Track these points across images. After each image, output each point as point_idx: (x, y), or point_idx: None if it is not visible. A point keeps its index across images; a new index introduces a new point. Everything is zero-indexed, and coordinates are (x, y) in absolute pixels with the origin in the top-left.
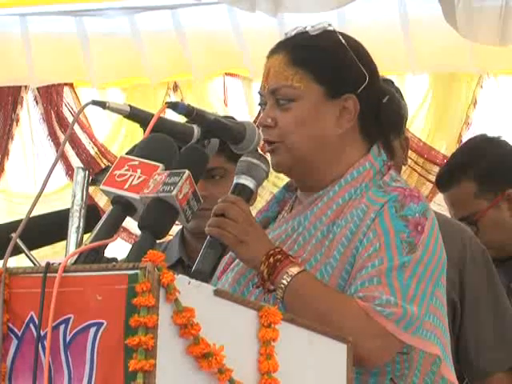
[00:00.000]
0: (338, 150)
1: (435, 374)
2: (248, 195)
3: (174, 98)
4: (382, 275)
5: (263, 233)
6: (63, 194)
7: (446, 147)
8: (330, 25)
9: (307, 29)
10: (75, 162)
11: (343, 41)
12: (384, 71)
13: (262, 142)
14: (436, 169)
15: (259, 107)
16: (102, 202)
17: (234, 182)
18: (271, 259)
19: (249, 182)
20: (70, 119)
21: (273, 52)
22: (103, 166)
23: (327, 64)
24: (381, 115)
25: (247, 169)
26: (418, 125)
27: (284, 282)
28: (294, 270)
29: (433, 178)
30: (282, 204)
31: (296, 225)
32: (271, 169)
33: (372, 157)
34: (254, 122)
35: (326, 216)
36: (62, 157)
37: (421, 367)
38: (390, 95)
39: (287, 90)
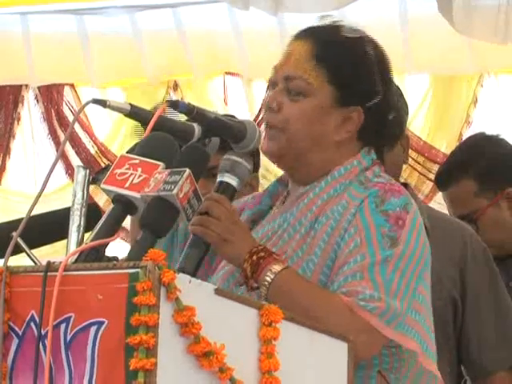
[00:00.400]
0: (331, 153)
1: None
2: (231, 193)
3: (174, 96)
4: (365, 270)
5: (247, 231)
6: (63, 193)
7: (446, 146)
8: (364, 32)
9: (342, 27)
10: (75, 161)
11: (370, 53)
12: None
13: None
14: (436, 167)
15: (259, 106)
16: (102, 201)
17: (218, 180)
18: (254, 257)
19: (232, 180)
20: (71, 118)
21: (300, 36)
22: (103, 165)
23: (347, 71)
24: (384, 130)
25: (231, 167)
26: (418, 124)
27: (267, 279)
28: (277, 267)
29: (433, 177)
30: (274, 197)
31: (282, 221)
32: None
33: (361, 155)
34: (255, 120)
35: (310, 212)
36: (62, 156)
37: (412, 360)
38: (398, 110)
39: (301, 83)
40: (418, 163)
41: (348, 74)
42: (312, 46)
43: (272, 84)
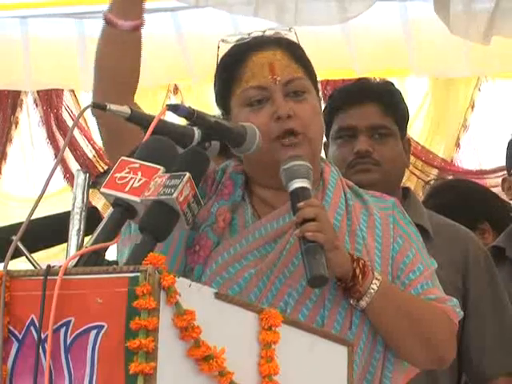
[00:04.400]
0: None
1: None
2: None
3: (174, 100)
4: (431, 278)
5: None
6: (61, 197)
7: (444, 149)
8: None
9: (273, 32)
10: (73, 165)
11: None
12: (384, 74)
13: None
14: (434, 172)
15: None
16: (100, 205)
17: (297, 186)
18: (360, 263)
19: (307, 184)
20: (70, 122)
21: (261, 48)
22: (101, 170)
23: (309, 63)
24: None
25: (305, 172)
26: (416, 128)
27: (374, 287)
28: (378, 275)
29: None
30: (242, 188)
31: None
32: None
33: (329, 164)
34: None
35: (337, 221)
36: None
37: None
38: None
39: (301, 82)
40: (416, 168)
41: (310, 65)
42: (285, 50)
43: (258, 99)
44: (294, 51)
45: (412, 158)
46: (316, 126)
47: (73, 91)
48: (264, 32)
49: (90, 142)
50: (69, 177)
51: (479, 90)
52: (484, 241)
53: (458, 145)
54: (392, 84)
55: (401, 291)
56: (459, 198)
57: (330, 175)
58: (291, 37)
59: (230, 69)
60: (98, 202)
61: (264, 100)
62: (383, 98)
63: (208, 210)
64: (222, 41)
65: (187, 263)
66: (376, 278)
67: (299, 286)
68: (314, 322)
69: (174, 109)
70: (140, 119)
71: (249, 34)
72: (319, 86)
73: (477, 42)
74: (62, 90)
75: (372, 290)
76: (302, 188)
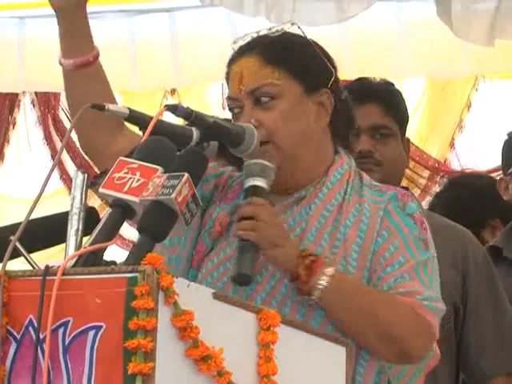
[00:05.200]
0: (318, 145)
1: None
2: (265, 196)
3: (171, 101)
4: (412, 271)
5: (290, 235)
6: (57, 198)
7: (438, 150)
8: (293, 24)
9: (265, 32)
10: (69, 165)
11: (309, 38)
12: (381, 74)
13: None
14: (426, 173)
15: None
16: (95, 206)
17: (249, 184)
18: (307, 261)
19: (263, 183)
20: (67, 123)
21: (240, 55)
22: (97, 171)
23: (300, 60)
24: (344, 113)
25: (257, 170)
26: (411, 127)
27: (322, 282)
28: (330, 270)
29: (423, 182)
30: None
31: (292, 224)
32: None
33: (346, 158)
34: None
35: (323, 217)
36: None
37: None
38: (346, 95)
39: (268, 88)
40: (408, 168)
41: (302, 62)
42: (259, 55)
43: (234, 110)
44: (270, 53)
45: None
46: (286, 130)
47: None
48: (258, 32)
49: None
50: (65, 178)
51: (476, 90)
52: (494, 237)
53: (452, 145)
54: (392, 84)
55: (357, 284)
56: (473, 193)
57: (335, 171)
58: (294, 30)
59: (225, 79)
60: (95, 202)
61: (240, 110)
62: (384, 98)
63: (210, 216)
64: (234, 43)
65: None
66: (325, 274)
67: (267, 286)
68: None
69: (173, 109)
70: (138, 119)
71: (244, 36)
72: None
73: (480, 44)
74: (60, 91)
75: (320, 286)
76: (253, 186)
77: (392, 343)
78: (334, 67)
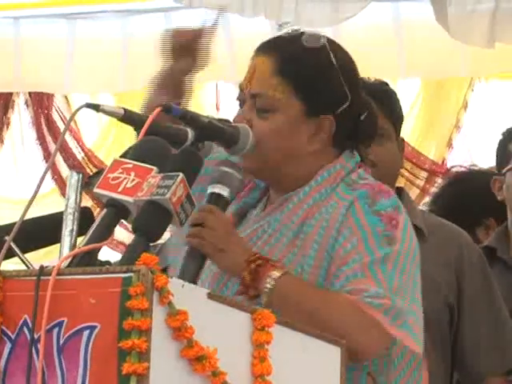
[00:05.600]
0: (308, 163)
1: (416, 372)
2: (223, 204)
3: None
4: (366, 269)
5: (241, 240)
6: (49, 199)
7: (435, 151)
8: (324, 38)
9: (303, 37)
10: (62, 166)
11: (334, 60)
12: (376, 74)
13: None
14: (424, 174)
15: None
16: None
17: (209, 191)
18: (252, 265)
19: (223, 191)
20: (60, 124)
21: (262, 51)
22: (89, 171)
23: (312, 83)
24: (357, 131)
25: (221, 178)
26: (407, 128)
27: (268, 286)
28: (276, 273)
29: (420, 183)
30: (262, 192)
31: (266, 226)
32: None
33: (344, 159)
34: None
35: (297, 216)
36: (48, 159)
37: (403, 363)
38: (369, 109)
39: (268, 100)
40: (406, 169)
41: (313, 85)
42: (274, 61)
43: (240, 101)
44: (284, 64)
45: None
46: (271, 143)
47: (64, 92)
48: (296, 31)
49: (79, 144)
50: (57, 178)
51: (472, 90)
52: (487, 237)
53: (450, 145)
54: (387, 84)
55: (303, 286)
56: (472, 191)
57: (324, 171)
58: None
59: None
60: (86, 203)
61: (242, 103)
62: (379, 98)
63: None
64: (279, 26)
65: None
66: (271, 277)
67: (234, 288)
68: None
69: (168, 109)
70: (133, 120)
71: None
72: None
73: (479, 46)
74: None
75: (266, 290)
76: (212, 193)
77: None
78: (355, 90)
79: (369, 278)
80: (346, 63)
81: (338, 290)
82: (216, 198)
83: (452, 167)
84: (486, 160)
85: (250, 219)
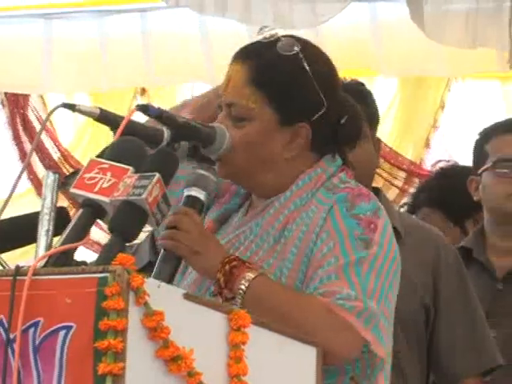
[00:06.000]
0: (285, 169)
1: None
2: (199, 207)
3: (141, 102)
4: (340, 271)
5: (217, 242)
6: (25, 199)
7: (412, 152)
8: (298, 45)
9: (278, 44)
10: (38, 166)
11: (307, 67)
12: (354, 74)
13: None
14: (402, 174)
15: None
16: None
17: (185, 194)
18: (227, 266)
19: (199, 194)
20: (36, 124)
21: (238, 58)
22: (66, 171)
23: (285, 91)
24: (338, 135)
25: (197, 181)
26: (385, 128)
27: (242, 287)
28: (251, 275)
29: (399, 184)
30: (243, 197)
31: (248, 232)
32: None
33: (325, 163)
34: None
35: (278, 221)
36: (24, 160)
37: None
38: (351, 112)
39: (241, 109)
40: (384, 170)
41: (287, 94)
42: (248, 69)
43: (220, 107)
44: (258, 73)
45: (380, 160)
46: (245, 152)
47: (40, 92)
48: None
49: (55, 144)
50: (33, 178)
51: (449, 90)
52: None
53: (427, 145)
54: (363, 84)
55: (276, 287)
56: (464, 185)
57: (306, 175)
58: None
59: None
60: (62, 203)
61: (221, 108)
62: (355, 99)
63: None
64: (260, 29)
65: None
66: (245, 279)
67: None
68: None
69: (144, 109)
70: (109, 120)
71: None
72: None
73: (456, 46)
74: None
75: (240, 291)
76: (188, 196)
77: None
78: (332, 96)
79: (342, 280)
80: (321, 69)
81: (312, 293)
82: (192, 201)
83: (438, 161)
84: (464, 160)
85: (231, 225)
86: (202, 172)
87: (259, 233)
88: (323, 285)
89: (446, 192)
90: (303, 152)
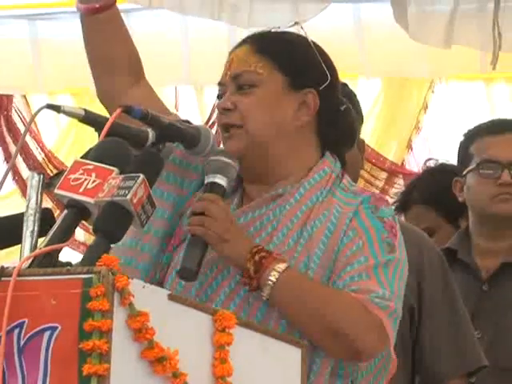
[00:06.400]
0: (294, 142)
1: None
2: (223, 193)
3: None
4: (370, 271)
5: (243, 231)
6: (10, 200)
7: (394, 153)
8: (298, 25)
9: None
10: (22, 167)
11: (312, 44)
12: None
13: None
14: (383, 175)
15: (210, 113)
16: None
17: (208, 180)
18: (256, 256)
19: (222, 181)
20: (20, 125)
21: (237, 46)
22: (50, 172)
23: (292, 56)
24: (338, 122)
25: (220, 168)
26: (367, 129)
27: (272, 278)
28: (281, 266)
29: (380, 184)
30: (235, 182)
31: (258, 224)
32: None
33: (330, 162)
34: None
35: (296, 218)
36: (8, 161)
37: (374, 371)
38: (347, 106)
39: (250, 76)
40: (365, 170)
41: (294, 60)
42: (251, 44)
43: (220, 96)
44: (261, 42)
45: None
46: (258, 117)
47: (23, 93)
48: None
49: (39, 145)
50: (18, 179)
51: (433, 91)
52: None
53: (409, 147)
54: (346, 85)
55: (307, 280)
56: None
57: (315, 173)
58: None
59: None
60: (47, 204)
61: (223, 95)
62: None
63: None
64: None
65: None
66: (276, 270)
67: (232, 281)
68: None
69: (128, 110)
70: (94, 120)
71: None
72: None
73: (437, 46)
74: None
75: (270, 282)
76: (212, 183)
77: (339, 339)
78: (334, 75)
79: (373, 280)
80: (321, 49)
81: (341, 289)
82: (216, 188)
83: (428, 159)
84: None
85: None
86: (226, 160)
87: (278, 227)
88: (354, 282)
89: (440, 190)
90: (310, 134)
